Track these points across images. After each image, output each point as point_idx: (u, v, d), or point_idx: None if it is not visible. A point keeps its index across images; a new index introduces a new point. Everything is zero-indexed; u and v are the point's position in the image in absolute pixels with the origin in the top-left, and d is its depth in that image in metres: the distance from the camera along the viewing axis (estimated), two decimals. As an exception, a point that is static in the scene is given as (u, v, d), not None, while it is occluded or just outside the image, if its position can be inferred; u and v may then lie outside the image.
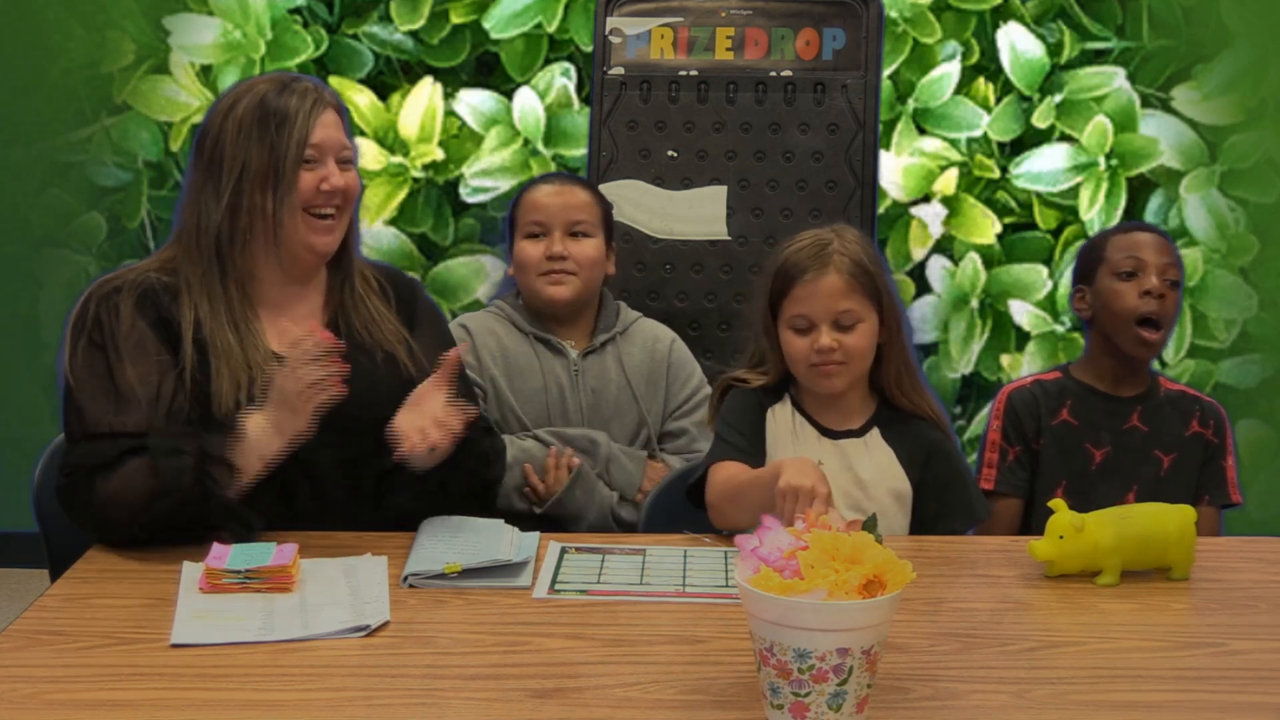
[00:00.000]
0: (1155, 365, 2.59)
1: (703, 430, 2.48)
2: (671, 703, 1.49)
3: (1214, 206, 3.89)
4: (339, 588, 1.80)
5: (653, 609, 1.78)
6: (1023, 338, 3.94)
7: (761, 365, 2.20)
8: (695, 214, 3.12)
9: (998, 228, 3.89)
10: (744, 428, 2.17)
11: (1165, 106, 3.86)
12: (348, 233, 2.12)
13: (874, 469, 2.15)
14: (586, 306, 2.62)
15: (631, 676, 1.55)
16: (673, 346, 2.65)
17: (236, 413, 1.97)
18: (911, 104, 3.84)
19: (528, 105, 3.85)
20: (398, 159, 3.87)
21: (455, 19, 3.84)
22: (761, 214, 3.12)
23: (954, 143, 3.86)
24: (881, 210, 3.69)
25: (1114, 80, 3.85)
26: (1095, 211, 3.87)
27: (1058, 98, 3.85)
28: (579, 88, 3.85)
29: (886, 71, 3.77)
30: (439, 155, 3.87)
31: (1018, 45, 3.83)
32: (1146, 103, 3.85)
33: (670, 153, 3.12)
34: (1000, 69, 3.84)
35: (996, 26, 3.83)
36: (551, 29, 3.83)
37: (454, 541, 1.94)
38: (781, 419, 2.18)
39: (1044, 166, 3.88)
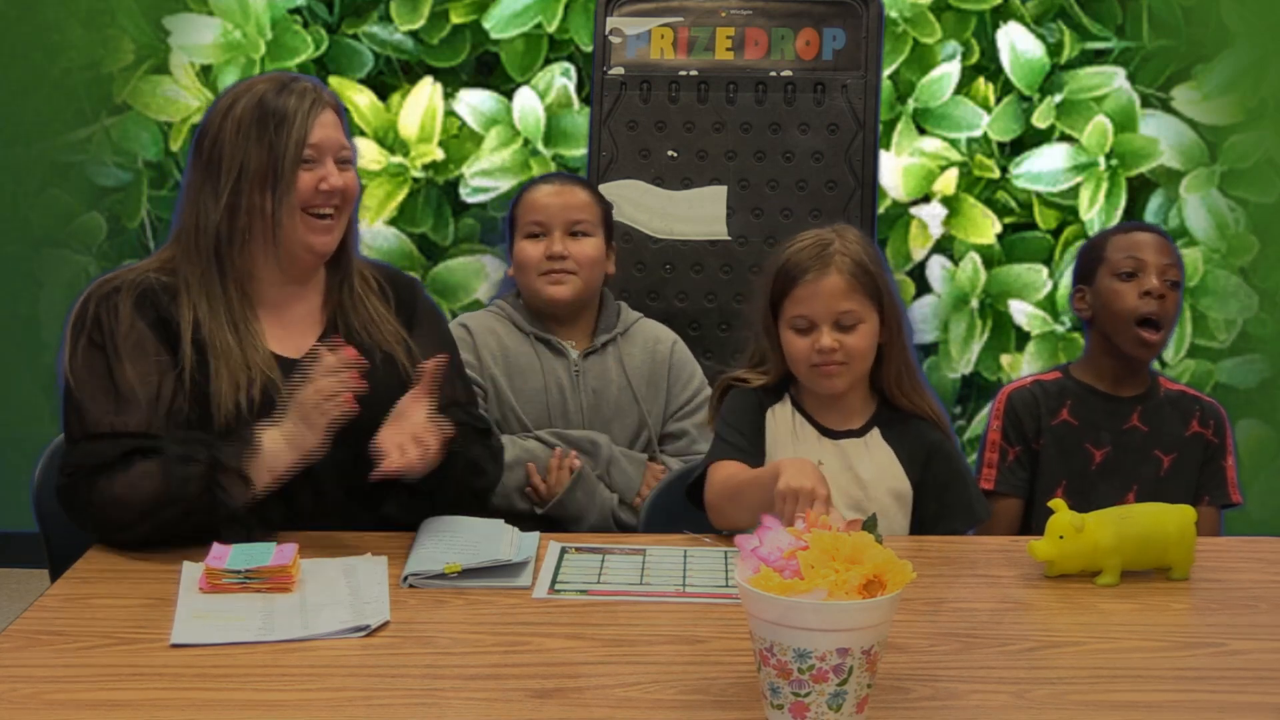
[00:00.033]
0: (1155, 365, 2.59)
1: (703, 432, 2.48)
2: (671, 703, 1.49)
3: (1214, 206, 3.89)
4: (339, 588, 1.80)
5: (653, 609, 1.78)
6: (1023, 338, 3.94)
7: (762, 365, 2.20)
8: (695, 214, 3.12)
9: (998, 228, 3.89)
10: (744, 427, 2.17)
11: (1165, 106, 3.86)
12: (346, 233, 2.12)
13: (874, 469, 2.15)
14: (587, 307, 2.62)
15: (631, 676, 1.55)
16: (674, 348, 2.65)
17: (236, 414, 1.97)
18: (911, 104, 3.85)
19: (528, 105, 3.85)
20: (398, 159, 3.87)
21: (455, 19, 3.84)
22: (761, 214, 3.12)
23: (954, 143, 3.86)
24: (881, 210, 3.69)
25: (1114, 80, 3.85)
26: (1095, 211, 3.87)
27: (1058, 98, 3.85)
28: (579, 88, 3.85)
29: (886, 71, 3.77)
30: (439, 155, 3.87)
31: (1018, 45, 3.83)
32: (1146, 103, 3.86)
33: (670, 153, 3.12)
34: (1000, 69, 3.84)
35: (996, 26, 3.83)
36: (551, 29, 3.83)
37: (454, 541, 1.94)
38: (781, 419, 2.18)
39: (1044, 166, 3.88)
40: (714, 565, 1.94)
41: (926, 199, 3.88)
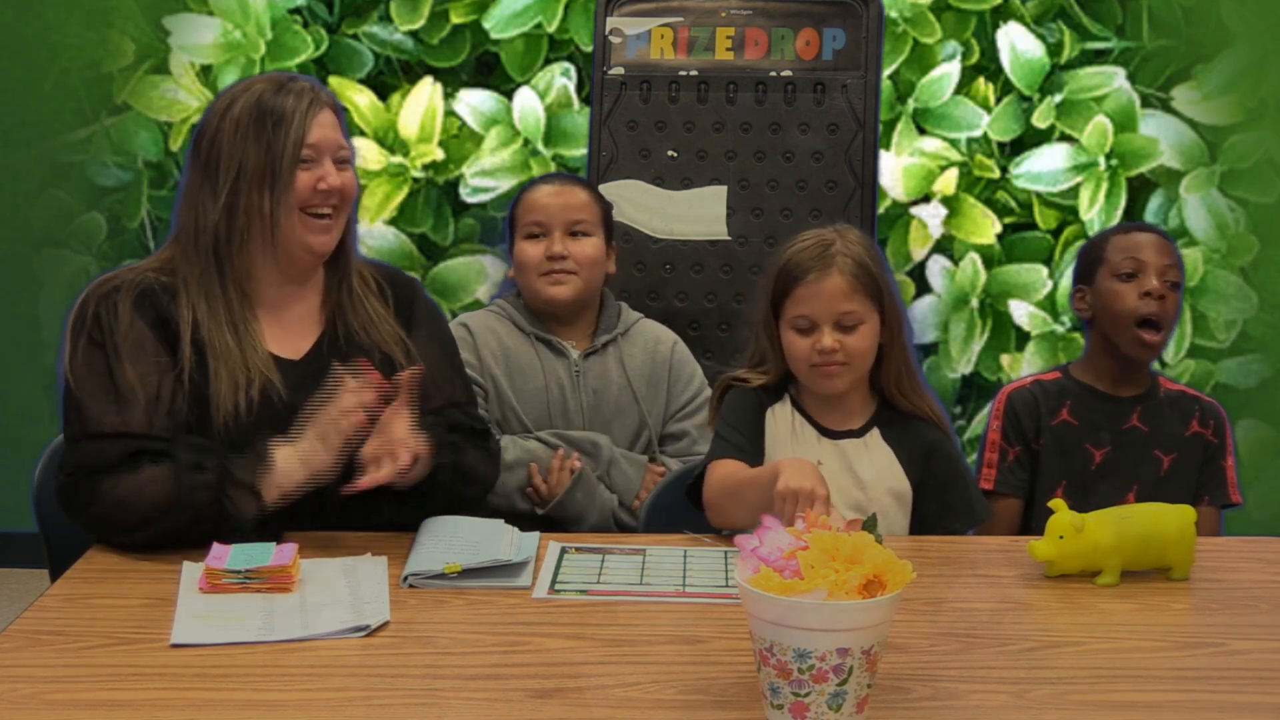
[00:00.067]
0: (1155, 365, 2.59)
1: (703, 432, 2.48)
2: (671, 703, 1.49)
3: (1214, 206, 3.89)
4: (339, 588, 1.80)
5: (653, 609, 1.78)
6: (1023, 338, 3.94)
7: (761, 365, 2.20)
8: (695, 214, 3.12)
9: (998, 228, 3.89)
10: (743, 427, 2.17)
11: (1165, 106, 3.86)
12: (345, 233, 2.12)
13: (874, 469, 2.15)
14: (587, 307, 2.62)
15: (631, 676, 1.55)
16: (674, 349, 2.65)
17: (235, 415, 1.97)
18: (911, 104, 3.85)
19: (528, 105, 3.85)
20: (398, 159, 3.87)
21: (455, 19, 3.84)
22: (761, 214, 3.12)
23: (954, 143, 3.86)
24: (881, 210, 3.69)
25: (1114, 80, 3.85)
26: (1095, 211, 3.87)
27: (1058, 98, 3.85)
28: (579, 88, 3.85)
29: (886, 71, 3.77)
30: (439, 155, 3.87)
31: (1018, 45, 3.83)
32: (1146, 103, 3.86)
33: (670, 153, 3.13)
34: (1000, 69, 3.84)
35: (996, 26, 3.83)
36: (551, 29, 3.83)
37: (454, 541, 1.94)
38: (781, 419, 2.18)
39: (1044, 166, 3.88)
40: (714, 565, 1.94)
41: (926, 199, 3.88)
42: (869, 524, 1.50)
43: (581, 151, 3.69)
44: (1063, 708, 1.50)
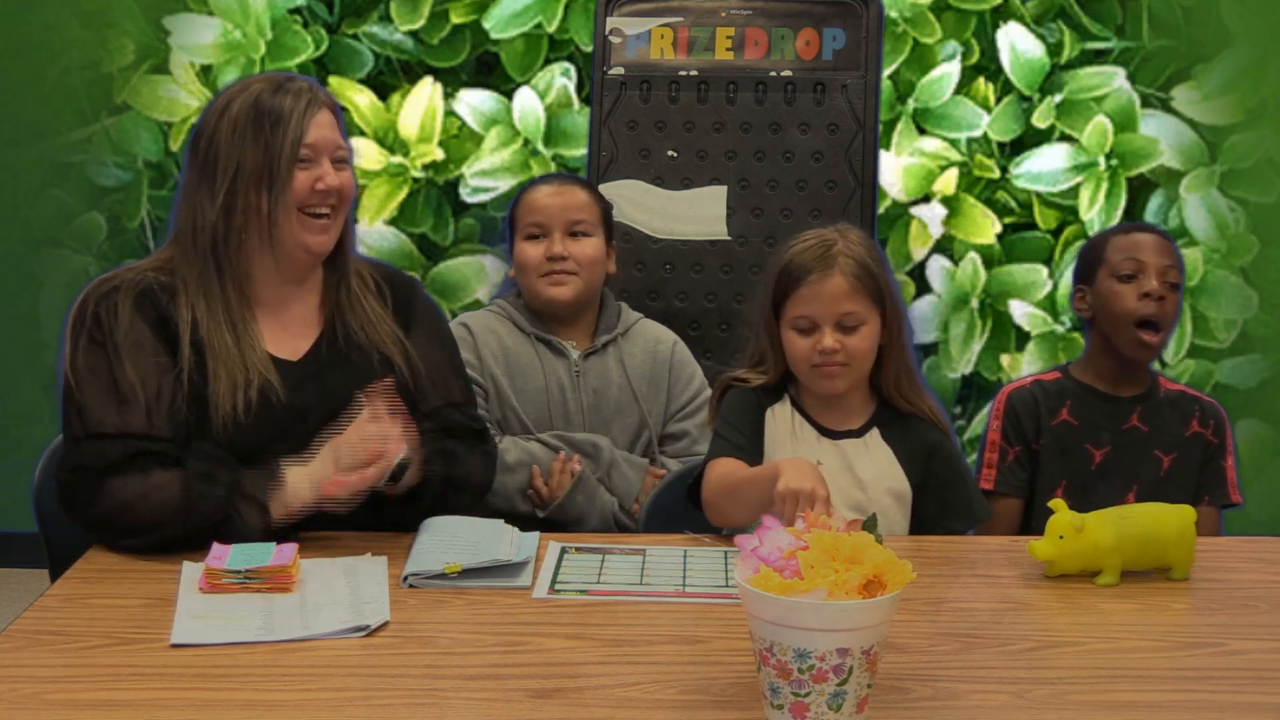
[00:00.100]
0: (1155, 365, 2.59)
1: (703, 432, 2.48)
2: (671, 703, 1.49)
3: (1214, 206, 3.89)
4: (339, 588, 1.80)
5: (653, 609, 1.78)
6: (1023, 338, 3.94)
7: (761, 364, 2.20)
8: (695, 214, 3.12)
9: (998, 228, 3.89)
10: (743, 426, 2.17)
11: (1165, 106, 3.86)
12: (343, 232, 2.12)
13: (873, 469, 2.15)
14: (588, 307, 2.62)
15: (631, 676, 1.55)
16: (674, 349, 2.65)
17: (233, 415, 1.96)
18: (911, 104, 3.85)
19: (528, 105, 3.85)
20: (398, 159, 3.87)
21: (455, 19, 3.84)
22: (761, 214, 3.12)
23: (954, 143, 3.86)
24: (881, 210, 3.69)
25: (1114, 80, 3.85)
26: (1095, 211, 3.87)
27: (1058, 98, 3.85)
28: (579, 88, 3.85)
29: (886, 71, 3.77)
30: (439, 155, 3.87)
31: (1018, 45, 3.83)
32: (1146, 103, 3.86)
33: (670, 153, 3.13)
34: (1000, 69, 3.84)
35: (996, 26, 3.83)
36: (551, 29, 3.83)
37: (454, 541, 1.94)
38: (781, 419, 2.18)
39: (1044, 166, 3.88)
40: (714, 565, 1.94)
41: (926, 199, 3.88)
42: (869, 524, 1.50)
43: (581, 151, 3.69)
44: (1063, 708, 1.50)
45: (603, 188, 2.96)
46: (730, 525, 2.11)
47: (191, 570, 1.83)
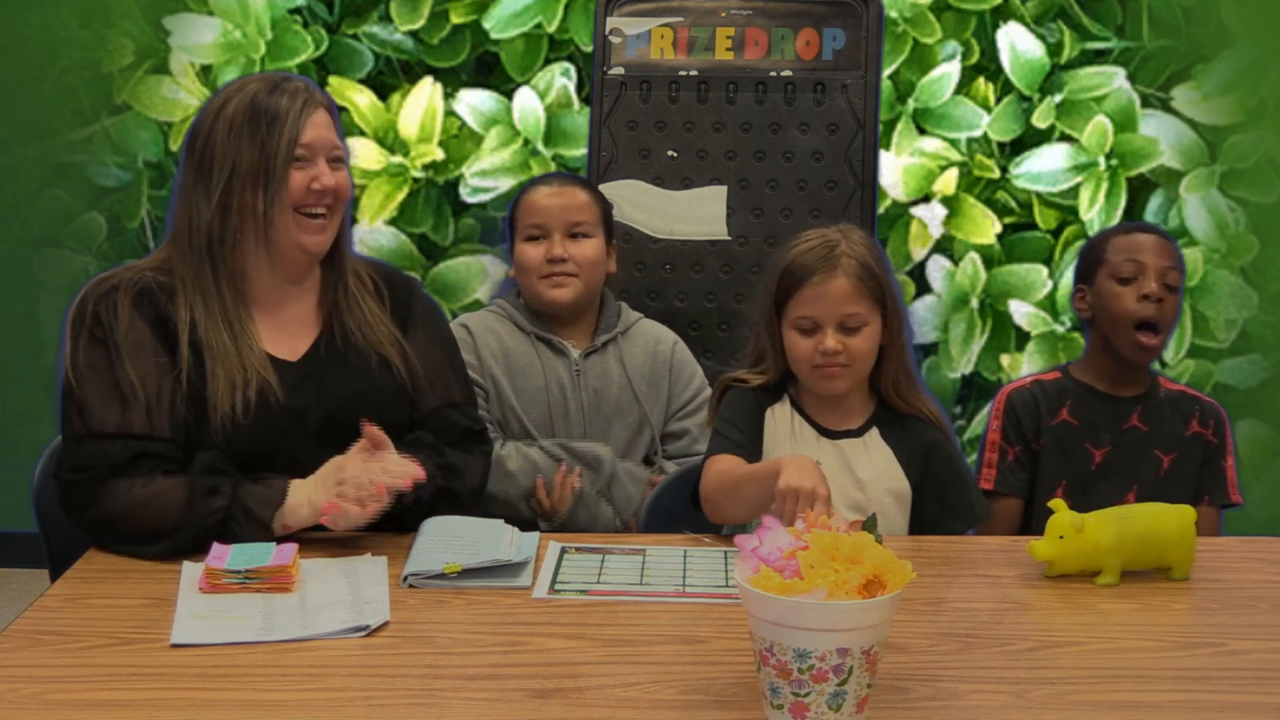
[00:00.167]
0: (1155, 365, 2.59)
1: (704, 432, 2.48)
2: (671, 703, 1.49)
3: (1214, 206, 3.89)
4: (339, 588, 1.80)
5: (653, 609, 1.78)
6: (1023, 338, 3.94)
7: (760, 364, 2.20)
8: (695, 214, 3.12)
9: (998, 228, 3.89)
10: (743, 425, 2.17)
11: (1165, 106, 3.86)
12: (340, 232, 2.12)
13: (873, 469, 2.15)
14: (588, 307, 2.62)
15: (631, 676, 1.55)
16: (675, 348, 2.65)
17: (232, 416, 1.96)
18: (911, 104, 3.85)
19: (528, 105, 3.85)
20: (398, 159, 3.87)
21: (455, 19, 3.84)
22: (761, 214, 3.12)
23: (954, 143, 3.86)
24: (881, 210, 3.69)
25: (1114, 80, 3.85)
26: (1095, 211, 3.87)
27: (1058, 98, 3.85)
28: (579, 88, 3.85)
29: (886, 71, 3.77)
30: (439, 155, 3.87)
31: (1018, 45, 3.83)
32: (1146, 103, 3.86)
33: (670, 153, 3.13)
34: (1000, 69, 3.84)
35: (996, 26, 3.83)
36: (551, 29, 3.83)
37: (454, 541, 1.94)
38: (780, 419, 2.18)
39: (1044, 166, 3.88)
40: (714, 565, 1.94)
41: (926, 199, 3.88)
42: (869, 524, 1.50)
43: (581, 151, 3.69)
44: (1063, 708, 1.50)
45: (603, 188, 2.96)
46: (729, 522, 2.11)
47: (191, 570, 1.83)
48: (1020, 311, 3.92)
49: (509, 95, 3.86)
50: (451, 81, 3.86)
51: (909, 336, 2.21)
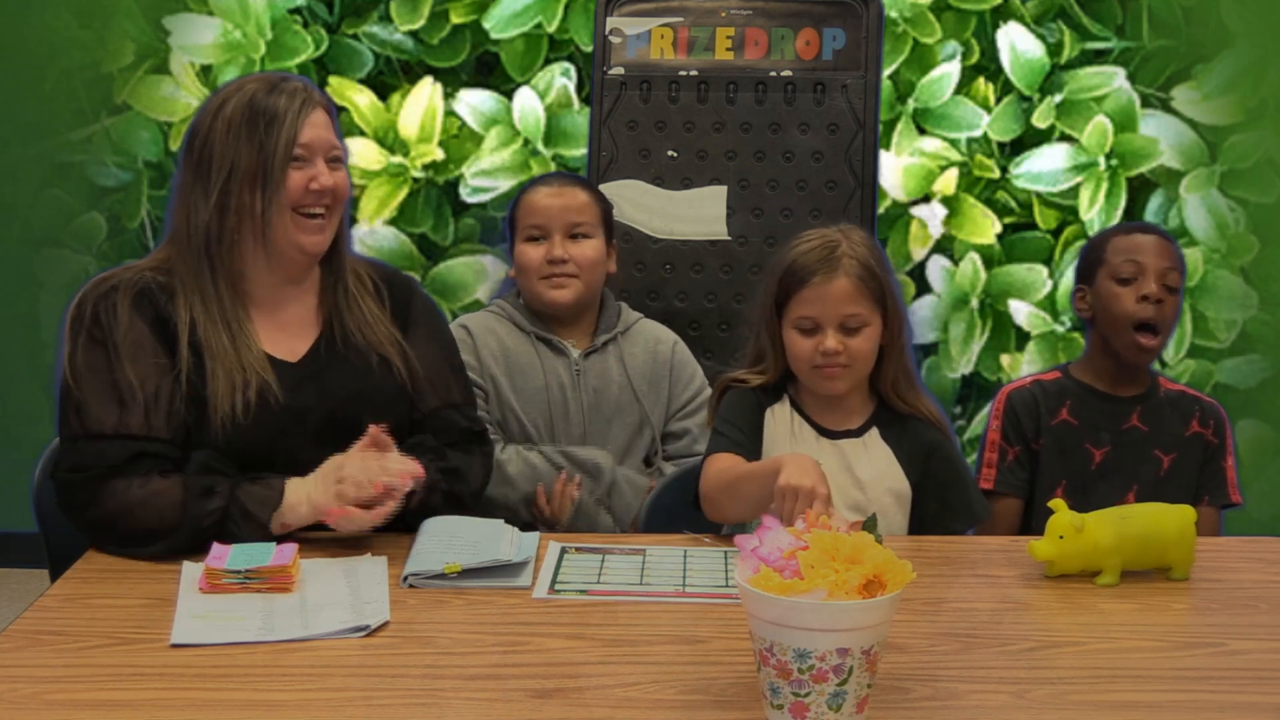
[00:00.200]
0: (1155, 365, 2.59)
1: (704, 432, 2.47)
2: (671, 703, 1.49)
3: (1214, 206, 3.89)
4: (339, 588, 1.80)
5: (653, 609, 1.78)
6: (1023, 338, 3.94)
7: (760, 363, 2.20)
8: (695, 214, 3.12)
9: (998, 228, 3.89)
10: (742, 424, 2.17)
11: (1165, 106, 3.86)
12: (339, 233, 2.12)
13: (873, 469, 2.15)
14: (589, 308, 2.62)
15: (631, 676, 1.55)
16: (675, 349, 2.65)
17: (232, 416, 1.96)
18: (911, 104, 3.85)
19: (528, 105, 3.85)
20: (398, 159, 3.87)
21: (455, 19, 3.84)
22: (761, 214, 3.12)
23: (954, 143, 3.86)
24: (881, 210, 3.69)
25: (1114, 80, 3.85)
26: (1095, 211, 3.87)
27: (1058, 98, 3.85)
28: (579, 88, 3.85)
29: (886, 71, 3.77)
30: (439, 155, 3.87)
31: (1018, 45, 3.83)
32: (1146, 103, 3.86)
33: (670, 153, 3.13)
34: (1000, 69, 3.84)
35: (996, 26, 3.83)
36: (551, 29, 3.83)
37: (454, 541, 1.94)
38: (780, 419, 2.18)
39: (1044, 166, 3.88)
40: (714, 565, 1.94)
41: (926, 199, 3.88)
42: (869, 524, 1.50)
43: (581, 151, 3.69)
44: (1063, 708, 1.50)
45: (603, 188, 2.96)
46: (728, 521, 2.11)
47: (191, 570, 1.83)
48: (1020, 311, 3.92)
49: (509, 95, 3.86)
50: (451, 81, 3.86)
51: (909, 337, 2.21)
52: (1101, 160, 3.86)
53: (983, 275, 3.91)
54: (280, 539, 1.89)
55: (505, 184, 3.86)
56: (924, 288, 3.91)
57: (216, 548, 1.83)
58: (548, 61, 3.84)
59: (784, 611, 1.38)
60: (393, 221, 3.89)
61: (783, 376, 2.19)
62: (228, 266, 2.05)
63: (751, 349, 2.22)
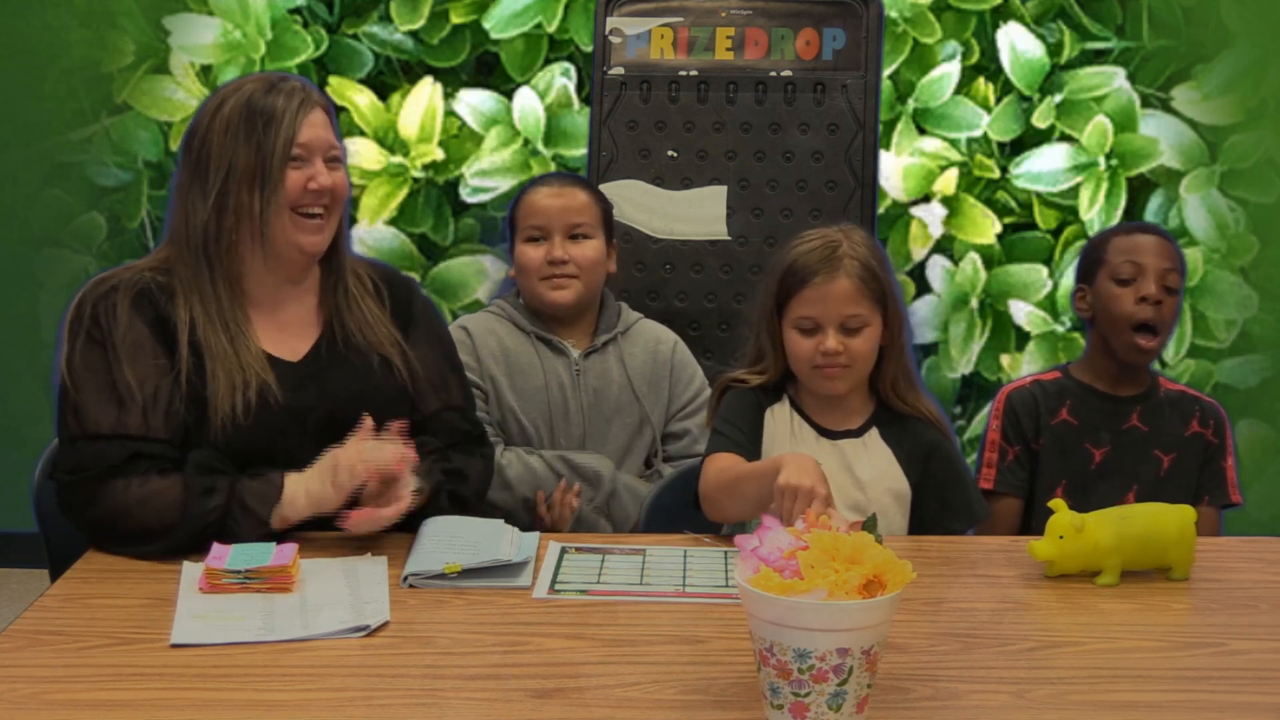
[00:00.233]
0: (1155, 365, 2.59)
1: (704, 432, 2.47)
2: (671, 703, 1.49)
3: (1214, 206, 3.89)
4: (339, 588, 1.80)
5: (653, 609, 1.78)
6: (1023, 338, 3.94)
7: (760, 364, 2.20)
8: (695, 214, 3.12)
9: (998, 228, 3.89)
10: (742, 424, 2.17)
11: (1165, 106, 3.86)
12: (338, 233, 2.12)
13: (872, 469, 2.15)
14: (589, 308, 2.62)
15: (631, 676, 1.55)
16: (675, 349, 2.65)
17: (232, 417, 1.96)
18: (911, 104, 3.85)
19: (528, 105, 3.85)
20: (398, 159, 3.87)
21: (455, 19, 3.84)
22: (761, 214, 3.12)
23: (954, 143, 3.86)
24: (881, 210, 3.69)
25: (1114, 80, 3.85)
26: (1095, 211, 3.87)
27: (1058, 98, 3.85)
28: (579, 88, 3.85)
29: (886, 71, 3.77)
30: (439, 155, 3.87)
31: (1018, 45, 3.83)
32: (1146, 103, 3.86)
33: (670, 153, 3.12)
34: (1000, 69, 3.84)
35: (996, 26, 3.83)
36: (551, 29, 3.83)
37: (454, 541, 1.94)
38: (780, 419, 2.18)
39: (1044, 166, 3.88)
40: (714, 565, 1.94)
41: (926, 199, 3.88)
42: (869, 524, 1.50)
43: (581, 151, 3.69)
44: (1063, 708, 1.50)
45: (603, 188, 2.96)
46: (728, 520, 2.11)
47: (191, 570, 1.83)
48: (1020, 311, 3.92)
49: (509, 95, 3.86)
50: (451, 81, 3.86)
51: (909, 337, 2.21)
52: (1101, 160, 3.86)
53: (983, 275, 3.91)
54: (280, 539, 1.89)
55: (505, 184, 3.86)
56: (924, 288, 3.91)
57: (216, 548, 1.83)
58: (548, 61, 3.84)
59: (784, 611, 1.38)
60: (393, 221, 3.89)
61: (782, 376, 2.19)
62: (226, 266, 2.05)
63: (751, 349, 2.22)
